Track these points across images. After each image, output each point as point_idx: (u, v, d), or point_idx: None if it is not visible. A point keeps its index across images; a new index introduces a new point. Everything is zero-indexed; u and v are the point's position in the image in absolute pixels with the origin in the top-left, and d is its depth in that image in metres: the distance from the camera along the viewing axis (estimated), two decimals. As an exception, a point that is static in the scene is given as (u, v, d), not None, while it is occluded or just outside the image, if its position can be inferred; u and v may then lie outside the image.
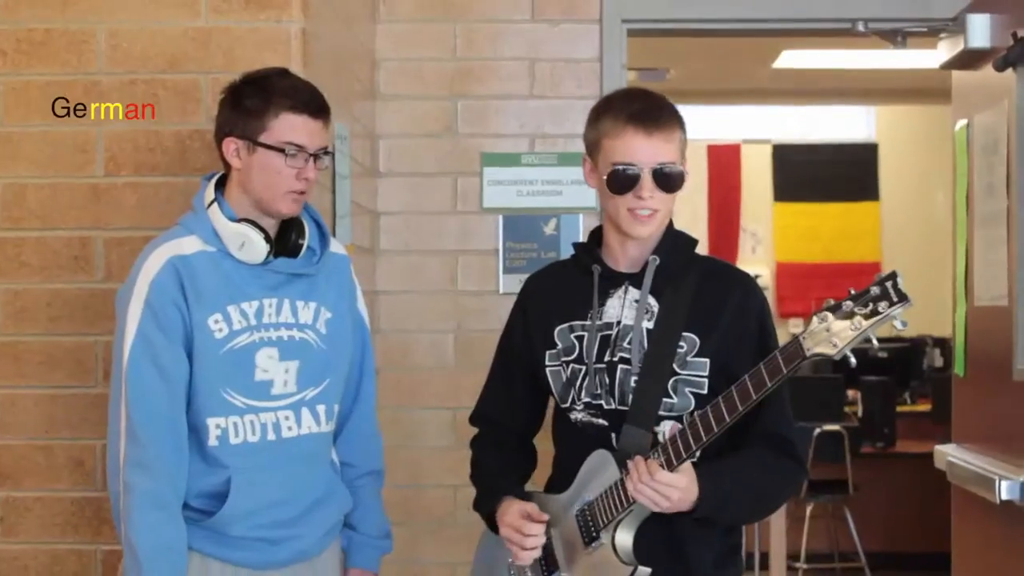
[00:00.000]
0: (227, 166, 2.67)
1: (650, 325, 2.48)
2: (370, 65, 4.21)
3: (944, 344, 8.33)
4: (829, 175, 10.35)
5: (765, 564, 7.83)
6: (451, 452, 4.15)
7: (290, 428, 2.66)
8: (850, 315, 2.20)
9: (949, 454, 3.64)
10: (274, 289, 2.65)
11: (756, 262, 10.35)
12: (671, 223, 2.57)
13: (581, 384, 2.52)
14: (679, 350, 2.46)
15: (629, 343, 2.48)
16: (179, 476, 2.56)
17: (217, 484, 2.60)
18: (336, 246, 2.83)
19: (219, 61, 3.19)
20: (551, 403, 2.66)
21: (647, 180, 2.45)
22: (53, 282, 3.24)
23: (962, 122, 3.78)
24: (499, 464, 2.70)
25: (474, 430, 2.80)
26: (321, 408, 2.70)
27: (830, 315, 2.21)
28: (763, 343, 2.47)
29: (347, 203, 3.69)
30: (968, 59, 3.65)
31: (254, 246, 2.61)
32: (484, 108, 4.22)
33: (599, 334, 2.51)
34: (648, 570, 2.41)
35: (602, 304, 2.53)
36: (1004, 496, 3.14)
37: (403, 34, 4.26)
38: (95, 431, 3.21)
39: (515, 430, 2.73)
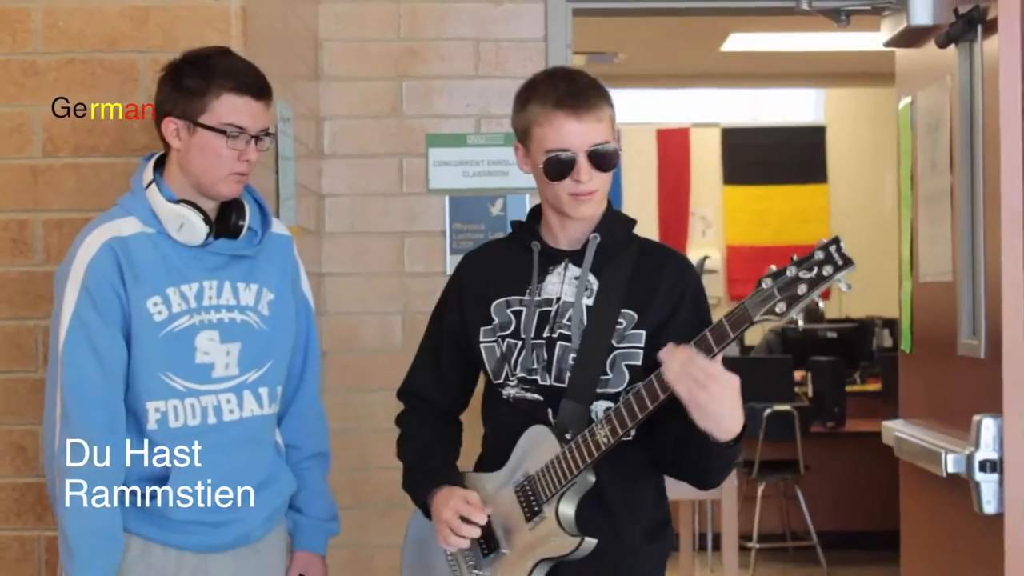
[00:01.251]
0: (166, 146, 2.63)
1: (589, 302, 2.48)
2: (313, 45, 4.17)
3: (893, 324, 8.38)
4: (778, 158, 10.40)
5: (717, 544, 7.84)
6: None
7: (232, 411, 2.63)
8: (795, 280, 2.20)
9: (896, 429, 3.65)
10: (214, 271, 2.62)
11: (706, 245, 10.39)
12: (610, 203, 2.57)
13: (516, 359, 2.51)
14: (617, 326, 2.47)
15: (568, 320, 2.48)
16: (115, 461, 2.53)
17: (157, 468, 2.57)
18: (278, 226, 2.80)
19: (158, 40, 3.16)
20: (480, 381, 2.65)
21: (583, 163, 2.44)
22: (-10, 265, 3.20)
23: (906, 100, 3.79)
24: (430, 443, 2.68)
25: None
26: (264, 390, 2.68)
27: (773, 280, 2.21)
28: (699, 317, 2.48)
29: (291, 185, 3.66)
30: (911, 36, 3.65)
31: (193, 228, 2.58)
32: (429, 88, 4.19)
33: (537, 310, 2.51)
34: (594, 541, 2.40)
35: (541, 281, 2.53)
36: (950, 469, 3.13)
37: (346, 13, 4.22)
38: (36, 416, 3.15)
39: (443, 407, 2.72)
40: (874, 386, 7.83)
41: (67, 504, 2.48)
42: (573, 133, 2.43)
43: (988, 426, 3.05)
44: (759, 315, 2.22)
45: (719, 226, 10.53)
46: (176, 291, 2.58)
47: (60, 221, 3.17)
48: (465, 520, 2.49)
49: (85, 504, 2.48)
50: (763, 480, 7.10)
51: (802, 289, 2.18)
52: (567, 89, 2.46)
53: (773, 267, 2.23)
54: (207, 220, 2.60)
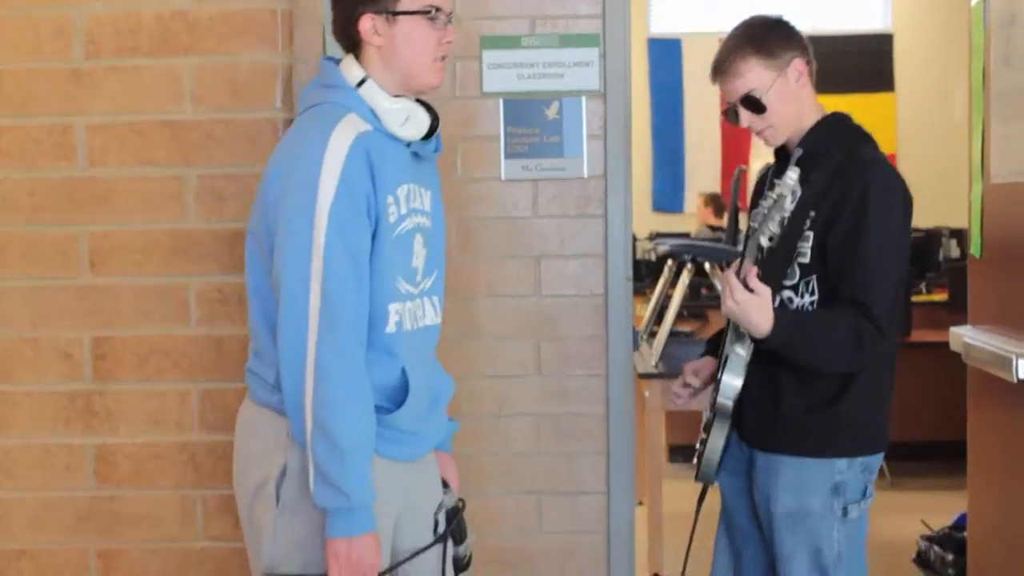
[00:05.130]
0: (357, 47, 2.49)
1: (792, 205, 2.75)
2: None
3: (960, 235, 8.21)
4: (843, 66, 10.18)
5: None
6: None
7: (423, 316, 2.57)
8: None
9: (965, 336, 3.53)
10: (415, 172, 2.54)
11: (769, 157, 10.20)
12: (825, 118, 2.91)
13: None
14: (803, 226, 2.81)
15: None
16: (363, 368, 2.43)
17: (392, 377, 2.48)
18: None
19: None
20: None
21: (742, 112, 2.88)
22: (34, 171, 3.14)
23: (979, -6, 3.63)
24: None
25: None
26: (436, 299, 2.62)
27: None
28: (856, 221, 2.76)
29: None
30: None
31: (418, 121, 2.49)
32: (482, -11, 4.06)
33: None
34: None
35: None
36: (1022, 375, 3.03)
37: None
38: (83, 322, 3.12)
39: None
40: (941, 296, 7.67)
41: (337, 407, 2.34)
42: (724, 93, 2.91)
43: (1063, 331, 2.93)
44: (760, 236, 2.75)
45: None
46: (403, 190, 2.48)
47: (102, 125, 3.10)
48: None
49: (355, 408, 2.36)
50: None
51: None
52: (715, 59, 2.92)
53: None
54: (429, 111, 2.53)
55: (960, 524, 4.92)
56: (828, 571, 2.81)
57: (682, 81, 10.64)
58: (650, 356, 5.44)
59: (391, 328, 2.44)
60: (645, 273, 8.19)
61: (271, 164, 2.45)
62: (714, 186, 10.25)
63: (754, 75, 2.83)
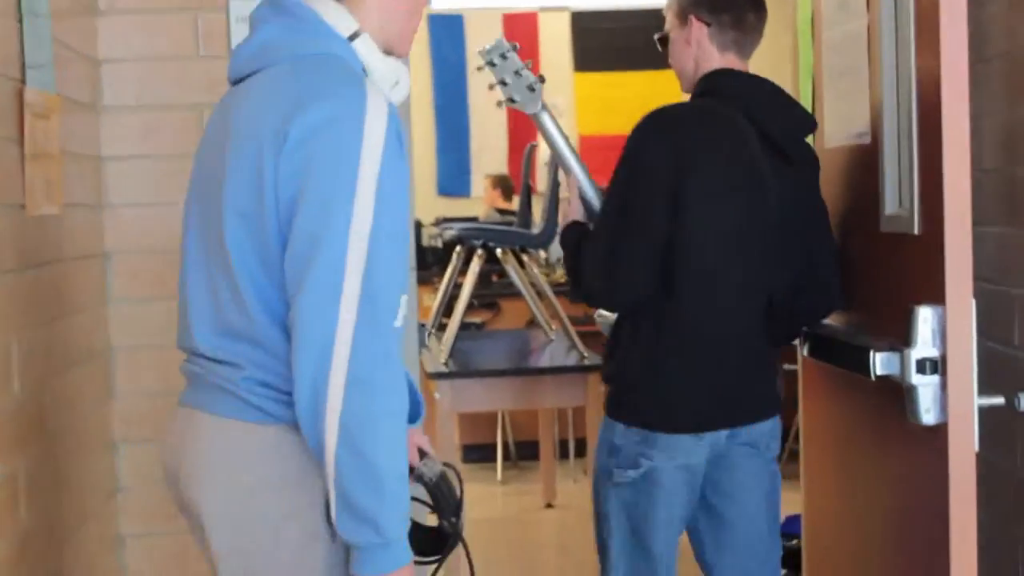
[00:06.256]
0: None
1: None
2: None
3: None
4: (631, 43, 9.82)
5: (580, 451, 7.38)
6: None
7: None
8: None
9: (802, 325, 3.06)
10: None
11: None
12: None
13: None
14: None
15: None
16: None
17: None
18: None
19: None
20: None
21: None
22: None
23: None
24: None
25: None
26: None
27: None
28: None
29: (47, 46, 2.87)
30: None
31: (406, 84, 2.19)
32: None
33: None
34: None
35: None
36: (879, 371, 2.57)
37: None
38: None
39: None
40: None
41: (385, 430, 1.95)
42: None
43: (926, 318, 2.46)
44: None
45: (571, 115, 10.05)
46: None
47: None
48: None
49: (400, 433, 1.99)
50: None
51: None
52: None
53: None
54: None
55: (789, 532, 4.38)
56: (599, 528, 2.96)
57: (465, 59, 10.17)
58: (439, 353, 4.90)
59: (399, 322, 2.05)
60: (432, 261, 7.77)
61: (255, 125, 1.98)
62: (501, 168, 9.83)
63: (668, 20, 3.05)
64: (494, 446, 7.31)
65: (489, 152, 10.19)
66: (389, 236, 1.96)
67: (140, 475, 3.47)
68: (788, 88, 3.37)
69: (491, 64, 2.94)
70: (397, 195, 1.99)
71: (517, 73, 2.91)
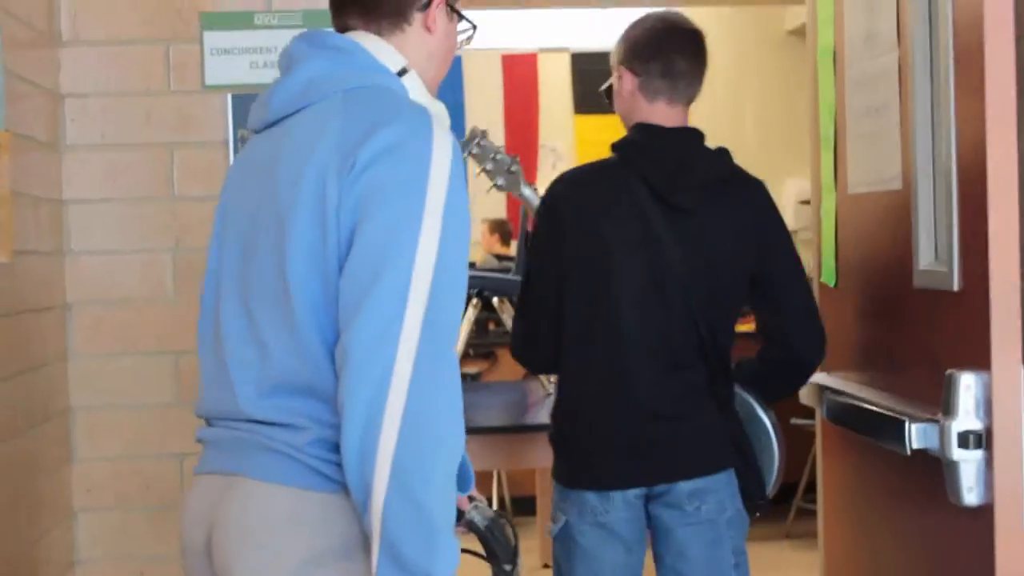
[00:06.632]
0: (397, 27, 2.08)
1: None
2: None
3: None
4: (632, 85, 9.73)
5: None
6: (174, 411, 3.21)
7: None
8: None
9: (827, 387, 2.80)
10: None
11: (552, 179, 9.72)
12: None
13: None
14: None
15: None
16: None
17: None
18: None
19: None
20: None
21: None
22: None
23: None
24: None
25: None
26: None
27: None
28: None
29: None
30: None
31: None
32: (201, -47, 3.21)
33: None
34: None
35: None
36: (915, 444, 2.30)
37: None
38: None
39: None
40: (747, 326, 7.09)
41: (439, 472, 1.83)
42: None
43: (968, 385, 2.20)
44: None
45: (570, 158, 9.90)
46: None
47: None
48: None
49: (451, 471, 1.87)
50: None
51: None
52: None
53: None
54: None
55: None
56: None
57: (463, 100, 10.04)
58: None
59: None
60: (426, 308, 7.58)
61: (315, 156, 1.90)
62: (499, 212, 9.65)
63: (613, 72, 3.07)
64: (489, 501, 7.05)
65: (486, 197, 10.00)
66: (453, 266, 1.89)
67: (100, 547, 3.25)
68: (808, 128, 3.15)
69: (471, 154, 3.05)
70: (462, 223, 1.92)
71: (494, 158, 3.10)
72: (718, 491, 2.87)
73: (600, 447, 2.88)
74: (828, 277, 3.00)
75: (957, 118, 2.31)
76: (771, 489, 2.98)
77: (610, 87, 3.07)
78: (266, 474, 1.90)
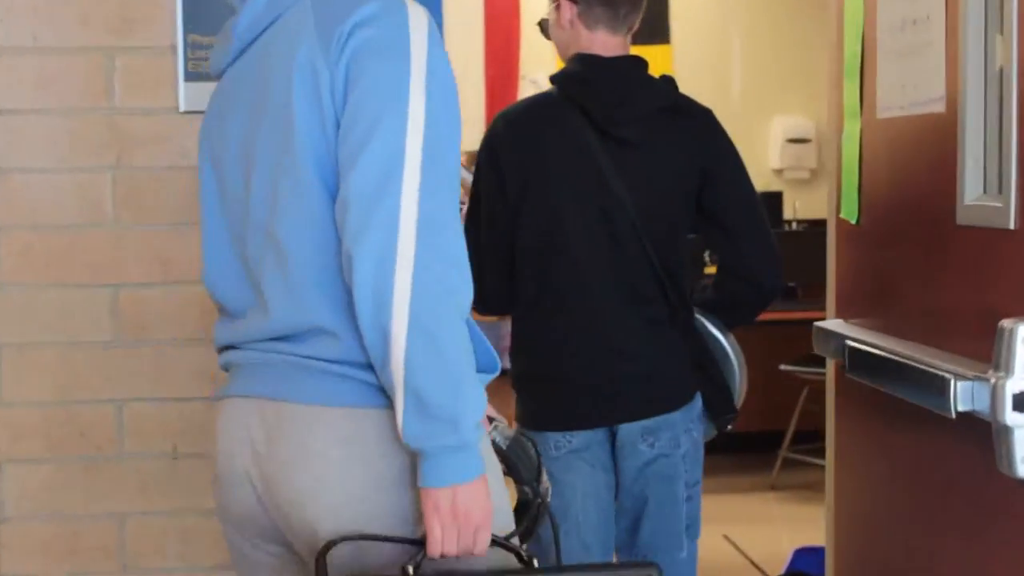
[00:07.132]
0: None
1: None
2: None
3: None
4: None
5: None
6: (113, 350, 2.97)
7: None
8: None
9: (848, 337, 2.50)
10: None
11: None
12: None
13: None
14: None
15: None
16: None
17: None
18: None
19: None
20: None
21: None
22: None
23: None
24: None
25: None
26: None
27: None
28: None
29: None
30: None
31: None
32: None
33: None
34: None
35: None
36: (962, 407, 2.01)
37: None
38: None
39: None
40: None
41: (454, 318, 1.85)
42: None
43: (1024, 337, 1.91)
44: None
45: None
46: None
47: None
48: None
49: (462, 322, 1.88)
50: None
51: None
52: None
53: None
54: None
55: (798, 571, 3.84)
56: None
57: (442, 30, 9.78)
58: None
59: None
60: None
61: (302, 49, 1.94)
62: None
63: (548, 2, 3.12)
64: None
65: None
66: (444, 120, 1.92)
67: (28, 503, 2.96)
68: (832, 47, 2.83)
69: None
70: (447, 79, 1.95)
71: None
72: (672, 427, 2.94)
73: (565, 388, 2.95)
74: (849, 213, 2.69)
75: (1020, 25, 2.00)
76: (738, 401, 3.09)
77: (543, 21, 3.11)
78: (312, 396, 1.91)
